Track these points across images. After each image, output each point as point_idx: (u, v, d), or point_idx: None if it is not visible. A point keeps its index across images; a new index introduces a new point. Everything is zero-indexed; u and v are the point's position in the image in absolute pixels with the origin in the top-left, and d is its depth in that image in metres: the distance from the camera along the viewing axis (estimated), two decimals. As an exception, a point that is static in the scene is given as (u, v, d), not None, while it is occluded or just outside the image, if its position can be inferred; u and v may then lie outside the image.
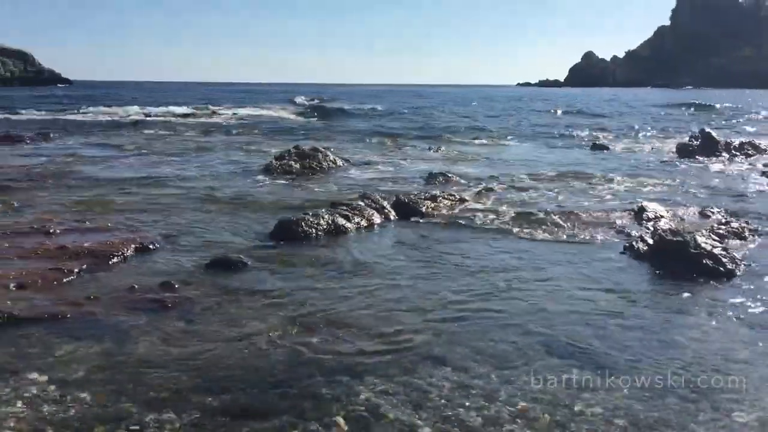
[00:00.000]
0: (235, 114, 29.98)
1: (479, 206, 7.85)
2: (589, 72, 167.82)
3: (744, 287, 4.81)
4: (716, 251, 5.30)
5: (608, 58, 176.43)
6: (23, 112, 28.29)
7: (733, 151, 14.06)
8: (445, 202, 7.80)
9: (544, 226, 6.75)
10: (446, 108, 39.04)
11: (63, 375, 3.29)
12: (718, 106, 38.96)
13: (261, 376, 3.30)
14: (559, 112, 35.28)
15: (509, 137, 19.33)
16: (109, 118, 25.26)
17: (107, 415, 2.91)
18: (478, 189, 8.87)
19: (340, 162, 11.73)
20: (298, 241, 6.04)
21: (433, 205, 7.55)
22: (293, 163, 11.02)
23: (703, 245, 5.33)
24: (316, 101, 46.06)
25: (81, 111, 29.17)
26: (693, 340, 3.83)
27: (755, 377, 3.32)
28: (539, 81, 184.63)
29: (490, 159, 13.55)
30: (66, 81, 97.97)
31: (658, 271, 5.24)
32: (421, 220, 7.06)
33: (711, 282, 4.97)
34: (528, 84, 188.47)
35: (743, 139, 15.60)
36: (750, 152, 14.17)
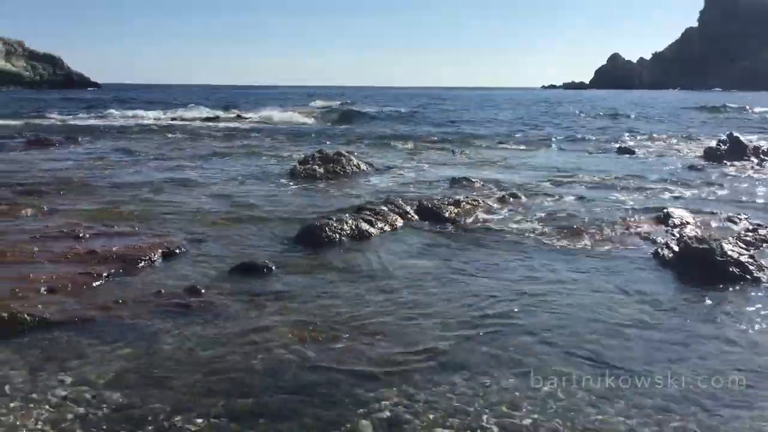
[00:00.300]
0: (258, 117, 30.23)
1: (503, 212, 7.84)
2: (614, 74, 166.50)
3: (771, 295, 4.75)
4: (743, 259, 5.24)
5: (634, 60, 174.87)
6: (52, 115, 28.83)
7: (762, 156, 13.82)
8: (469, 207, 7.79)
9: (568, 233, 6.71)
10: (470, 111, 38.95)
11: (92, 377, 3.36)
12: (747, 108, 38.34)
13: (285, 381, 3.35)
14: (585, 115, 35.04)
15: (534, 141, 19.23)
16: (136, 122, 25.60)
17: (135, 417, 2.97)
18: (502, 194, 8.85)
19: (363, 166, 11.77)
20: (323, 246, 6.09)
21: (456, 210, 7.55)
22: (317, 167, 11.09)
23: (729, 253, 5.28)
24: (338, 104, 46.25)
25: (108, 115, 29.61)
26: (718, 349, 3.80)
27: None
28: (564, 83, 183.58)
29: (515, 164, 13.49)
30: (94, 84, 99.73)
31: (683, 279, 5.20)
32: (444, 226, 7.07)
33: (737, 290, 4.92)
34: (553, 86, 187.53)
35: (773, 144, 15.36)
36: (780, 157, 13.94)
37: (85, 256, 5.44)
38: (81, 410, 3.03)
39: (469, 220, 7.36)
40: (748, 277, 5.06)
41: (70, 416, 2.98)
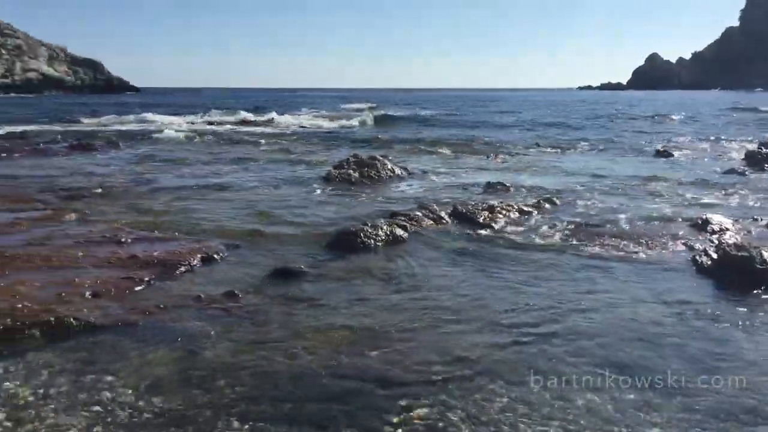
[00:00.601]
0: (293, 121, 30.51)
1: (538, 217, 7.80)
2: (653, 74, 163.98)
3: (814, 305, 4.67)
4: (784, 267, 5.15)
5: (673, 60, 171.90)
6: (94, 119, 29.50)
7: (806, 160, 13.49)
8: (503, 212, 7.77)
9: (603, 239, 6.66)
10: (506, 114, 38.73)
11: (135, 381, 3.47)
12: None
13: (322, 387, 3.41)
14: (622, 116, 34.58)
15: (570, 144, 19.04)
16: (173, 126, 26.01)
17: (178, 421, 3.06)
18: (537, 199, 8.80)
19: (398, 171, 11.81)
20: (357, 252, 6.15)
21: (490, 215, 7.55)
22: (352, 172, 11.17)
23: (770, 261, 5.19)
24: (371, 107, 46.34)
25: (147, 119, 30.18)
26: (759, 358, 3.75)
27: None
28: (601, 84, 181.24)
29: (550, 167, 13.39)
30: (134, 89, 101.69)
31: (722, 287, 5.13)
32: (478, 231, 7.07)
33: (778, 299, 4.84)
34: (589, 87, 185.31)
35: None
36: (825, 161, 13.57)
37: (127, 260, 5.59)
38: (125, 413, 3.13)
39: (504, 225, 7.34)
40: (789, 285, 4.97)
41: (114, 419, 3.08)
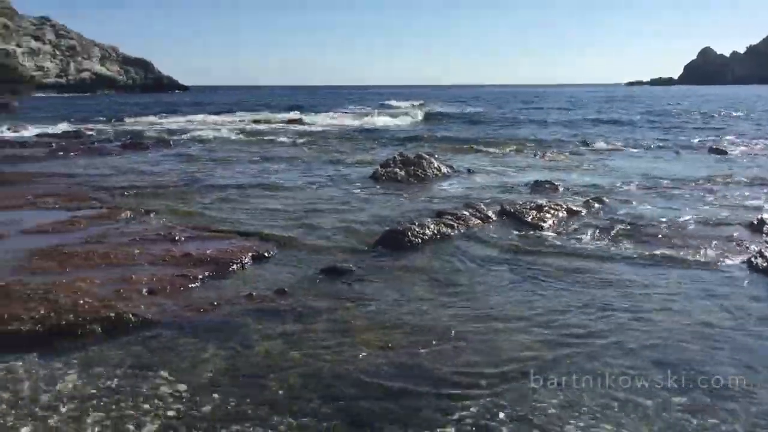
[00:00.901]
0: (337, 119, 30.72)
1: (587, 217, 7.70)
2: (705, 69, 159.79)
3: None
4: None
5: (727, 54, 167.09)
6: (146, 119, 30.26)
7: None
8: (552, 212, 7.69)
9: (655, 240, 6.55)
10: (554, 111, 38.24)
11: (191, 376, 3.57)
12: None
13: (371, 385, 3.45)
14: (674, 112, 33.78)
15: (619, 142, 18.71)
16: (221, 125, 26.46)
17: (233, 416, 3.15)
18: (586, 199, 8.68)
19: (444, 169, 11.80)
20: (405, 250, 6.19)
21: (539, 215, 7.48)
22: (398, 170, 11.22)
23: (831, 263, 5.04)
24: (417, 104, 46.27)
25: (195, 119, 30.82)
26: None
27: None
28: (651, 79, 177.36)
29: (600, 166, 13.18)
30: (183, 87, 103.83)
31: (779, 290, 5.00)
32: (526, 230, 7.02)
33: (839, 303, 4.70)
34: (639, 82, 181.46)
35: None
36: None
37: (181, 258, 5.74)
38: (181, 407, 3.23)
39: (552, 224, 7.27)
40: None
41: (171, 413, 3.18)
